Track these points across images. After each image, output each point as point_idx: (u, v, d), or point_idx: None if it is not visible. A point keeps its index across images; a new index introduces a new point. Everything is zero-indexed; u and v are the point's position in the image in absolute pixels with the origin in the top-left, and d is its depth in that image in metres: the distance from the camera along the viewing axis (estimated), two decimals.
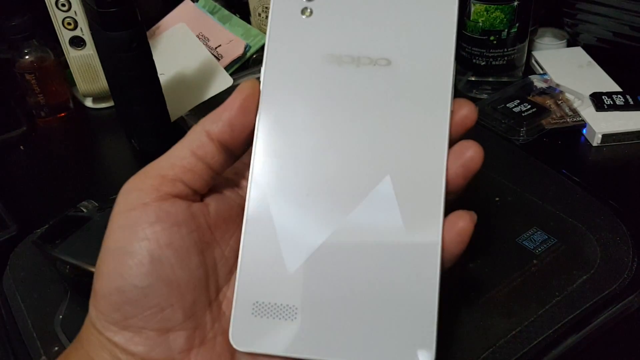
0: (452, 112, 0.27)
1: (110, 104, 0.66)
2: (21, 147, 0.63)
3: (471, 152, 0.26)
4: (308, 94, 0.28)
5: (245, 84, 0.28)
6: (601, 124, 0.54)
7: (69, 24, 0.60)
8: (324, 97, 0.28)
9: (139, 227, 0.26)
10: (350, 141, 0.27)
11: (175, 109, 0.59)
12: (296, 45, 0.28)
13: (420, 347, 0.26)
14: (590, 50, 0.65)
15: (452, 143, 0.27)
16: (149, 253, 0.26)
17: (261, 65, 0.29)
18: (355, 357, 0.26)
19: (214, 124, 0.27)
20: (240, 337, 0.26)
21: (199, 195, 0.28)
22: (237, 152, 0.28)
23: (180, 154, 0.27)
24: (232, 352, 0.27)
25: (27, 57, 0.62)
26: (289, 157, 0.28)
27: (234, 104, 0.27)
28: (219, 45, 0.68)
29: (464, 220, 0.26)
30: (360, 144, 0.27)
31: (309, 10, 0.28)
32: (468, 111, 0.27)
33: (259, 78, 0.29)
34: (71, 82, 0.66)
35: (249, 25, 0.71)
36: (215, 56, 0.66)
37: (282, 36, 0.28)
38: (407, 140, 0.27)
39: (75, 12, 0.60)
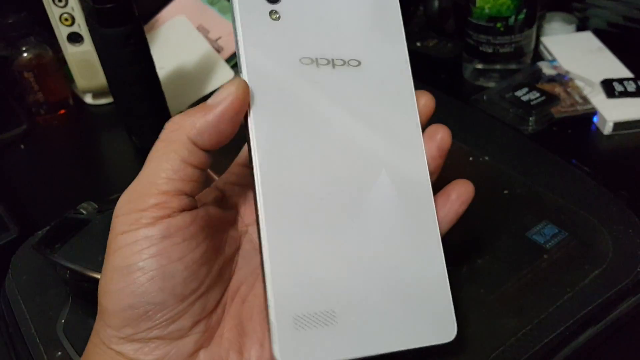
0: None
1: (110, 100, 0.65)
2: (22, 145, 0.62)
3: (441, 134, 0.30)
4: (295, 96, 0.29)
5: (234, 86, 0.27)
6: (612, 112, 0.53)
7: (66, 19, 0.59)
8: (311, 97, 0.29)
9: (149, 242, 0.25)
10: (343, 138, 0.29)
11: (176, 104, 0.58)
12: (272, 49, 0.29)
13: (444, 323, 0.29)
14: (600, 35, 0.64)
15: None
16: (161, 269, 0.25)
17: (239, 69, 0.29)
18: (394, 347, 0.28)
19: (199, 136, 0.26)
20: (288, 355, 0.26)
21: (194, 200, 0.28)
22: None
23: (173, 166, 0.26)
24: (240, 345, 0.28)
25: (25, 54, 0.61)
26: (293, 165, 0.28)
27: (221, 108, 0.26)
28: (220, 37, 0.67)
29: (464, 186, 0.30)
30: (352, 141, 0.29)
31: (276, 13, 0.29)
32: (426, 99, 0.31)
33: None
34: (70, 79, 0.66)
35: None
36: (215, 49, 0.65)
37: (256, 40, 0.29)
38: (389, 130, 0.30)
39: (72, 8, 0.59)
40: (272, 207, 0.27)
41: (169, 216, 0.26)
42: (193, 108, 0.27)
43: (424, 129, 0.31)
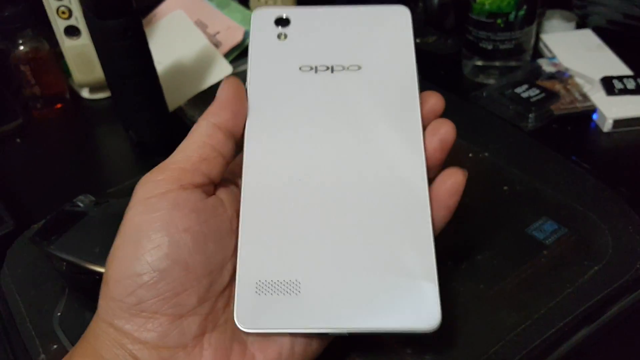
0: (421, 103, 0.31)
1: (108, 94, 0.65)
2: (17, 140, 0.62)
3: (445, 127, 0.30)
4: (291, 96, 0.31)
5: (229, 80, 0.30)
6: (612, 109, 0.53)
7: (63, 12, 0.59)
8: (306, 97, 0.31)
9: (157, 212, 0.26)
10: (333, 132, 0.30)
11: (174, 99, 0.58)
12: (275, 62, 0.32)
13: (425, 308, 0.27)
14: (600, 32, 0.64)
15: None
16: (167, 237, 0.26)
17: (245, 83, 0.32)
18: (363, 325, 0.26)
19: (217, 116, 0.29)
20: (245, 318, 0.27)
21: (213, 185, 0.29)
22: (239, 139, 0.30)
23: (194, 145, 0.29)
24: (244, 336, 0.28)
25: (21, 47, 0.61)
26: (280, 148, 0.30)
27: (228, 94, 0.30)
28: (218, 32, 0.67)
29: (457, 175, 0.29)
30: (343, 135, 0.30)
31: (283, 35, 0.33)
32: (435, 100, 0.31)
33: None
34: (67, 73, 0.65)
35: (247, 10, 0.70)
36: (213, 43, 0.65)
37: (262, 56, 0.33)
38: (385, 128, 0.30)
39: (69, 1, 0.58)
40: (252, 181, 0.29)
41: (181, 187, 0.27)
42: None
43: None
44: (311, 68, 0.32)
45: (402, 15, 0.34)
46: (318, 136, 0.30)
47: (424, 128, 0.31)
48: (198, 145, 0.28)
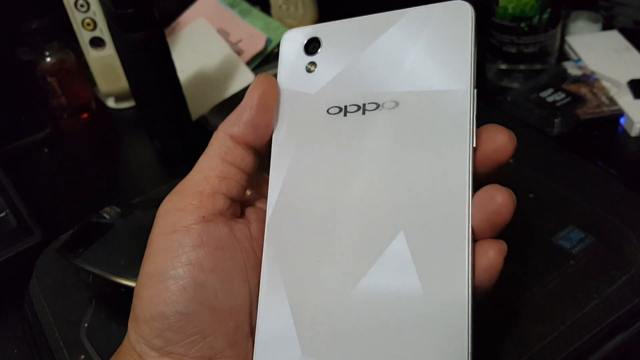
0: (474, 149, 0.25)
1: (132, 103, 0.66)
2: (45, 149, 0.63)
3: (499, 199, 0.24)
4: (317, 148, 0.27)
5: (260, 80, 0.27)
6: None
7: (88, 24, 0.60)
8: (333, 150, 0.27)
9: (181, 250, 0.25)
10: (360, 195, 0.26)
11: (197, 108, 0.58)
12: (302, 102, 0.28)
13: None
14: (627, 33, 0.62)
15: (481, 181, 0.25)
16: (192, 279, 0.25)
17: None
18: None
19: (235, 127, 0.27)
20: None
21: (239, 204, 0.28)
22: (263, 151, 0.28)
23: (211, 164, 0.27)
24: None
25: (48, 59, 0.62)
26: (300, 220, 0.26)
27: (252, 102, 0.27)
28: (240, 40, 0.67)
29: (493, 251, 0.24)
30: (372, 198, 0.25)
31: (313, 64, 0.28)
32: (502, 139, 0.25)
33: (275, 75, 0.29)
34: (92, 83, 0.66)
35: (269, 18, 0.70)
36: (236, 51, 0.65)
37: (288, 96, 0.28)
38: (422, 188, 0.25)
39: (94, 13, 0.59)
40: (270, 270, 0.26)
41: (204, 220, 0.25)
42: None
43: (487, 177, 0.25)
44: (340, 110, 0.27)
45: (461, 16, 0.26)
46: (345, 206, 0.26)
47: (480, 181, 0.25)
48: (216, 163, 0.26)
